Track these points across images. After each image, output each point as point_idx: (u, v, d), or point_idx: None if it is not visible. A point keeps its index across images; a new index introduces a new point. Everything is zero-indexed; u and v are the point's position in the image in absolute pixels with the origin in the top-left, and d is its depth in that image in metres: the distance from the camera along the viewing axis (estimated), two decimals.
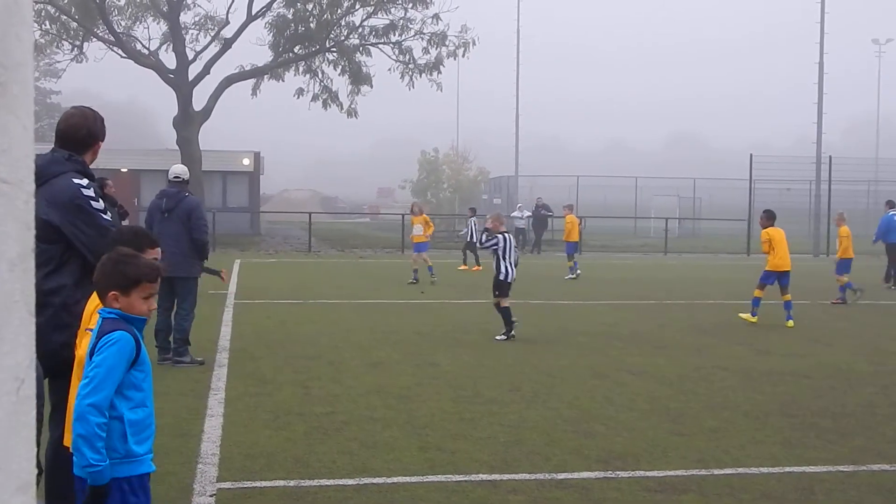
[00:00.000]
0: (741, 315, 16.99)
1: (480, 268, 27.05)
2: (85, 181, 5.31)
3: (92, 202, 5.26)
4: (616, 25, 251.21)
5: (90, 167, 5.58)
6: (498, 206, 56.11)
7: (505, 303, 14.66)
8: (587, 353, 13.21)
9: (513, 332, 14.42)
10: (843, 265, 20.90)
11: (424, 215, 26.68)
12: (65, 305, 5.14)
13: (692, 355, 13.16)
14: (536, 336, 14.84)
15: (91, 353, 4.28)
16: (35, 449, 1.30)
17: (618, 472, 7.41)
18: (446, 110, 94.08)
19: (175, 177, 12.47)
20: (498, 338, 14.39)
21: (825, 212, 41.69)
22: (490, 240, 15.00)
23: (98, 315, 4.41)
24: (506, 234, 15.12)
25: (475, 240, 26.76)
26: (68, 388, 5.15)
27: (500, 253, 14.78)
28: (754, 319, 16.65)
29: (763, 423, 9.19)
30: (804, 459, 7.89)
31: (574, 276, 25.99)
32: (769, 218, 17.20)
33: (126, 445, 4.25)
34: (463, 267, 28.56)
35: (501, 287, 14.77)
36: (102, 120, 5.69)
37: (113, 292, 4.32)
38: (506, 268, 14.76)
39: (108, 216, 5.32)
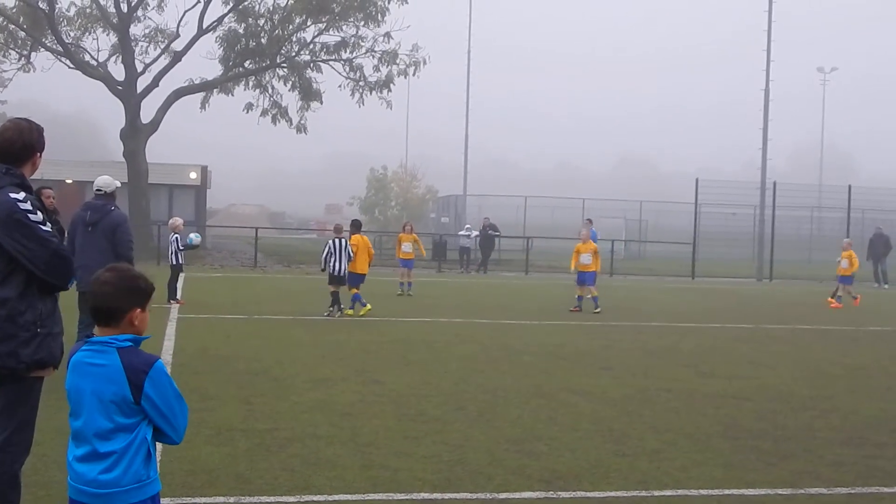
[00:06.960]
0: None
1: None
2: (21, 194, 5.29)
3: (29, 215, 5.24)
4: (570, 50, 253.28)
5: (32, 177, 5.52)
6: (446, 225, 56.28)
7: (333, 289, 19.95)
8: (532, 373, 13.24)
9: (333, 311, 19.76)
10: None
11: (414, 234, 28.96)
12: (9, 317, 5.23)
13: (636, 376, 13.24)
14: (482, 355, 14.86)
15: (133, 390, 4.11)
16: None
17: (560, 493, 7.42)
18: (397, 127, 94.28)
19: (97, 189, 12.00)
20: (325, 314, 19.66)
21: (769, 237, 42.21)
22: (325, 250, 20.39)
23: (90, 347, 4.12)
24: (336, 239, 20.19)
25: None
26: (10, 394, 5.28)
27: (333, 253, 19.95)
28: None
29: (705, 445, 9.26)
30: (744, 482, 7.95)
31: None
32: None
33: (150, 469, 4.23)
34: None
35: (331, 279, 20.06)
36: (40, 131, 5.63)
37: (137, 309, 4.16)
38: (332, 265, 19.92)
39: (46, 227, 5.28)
